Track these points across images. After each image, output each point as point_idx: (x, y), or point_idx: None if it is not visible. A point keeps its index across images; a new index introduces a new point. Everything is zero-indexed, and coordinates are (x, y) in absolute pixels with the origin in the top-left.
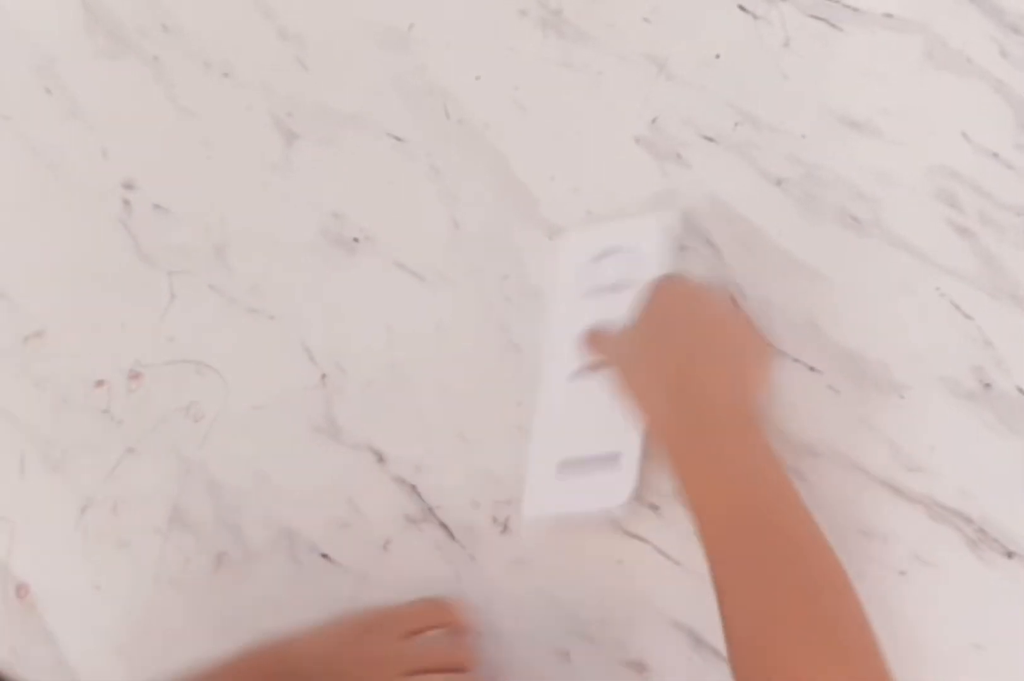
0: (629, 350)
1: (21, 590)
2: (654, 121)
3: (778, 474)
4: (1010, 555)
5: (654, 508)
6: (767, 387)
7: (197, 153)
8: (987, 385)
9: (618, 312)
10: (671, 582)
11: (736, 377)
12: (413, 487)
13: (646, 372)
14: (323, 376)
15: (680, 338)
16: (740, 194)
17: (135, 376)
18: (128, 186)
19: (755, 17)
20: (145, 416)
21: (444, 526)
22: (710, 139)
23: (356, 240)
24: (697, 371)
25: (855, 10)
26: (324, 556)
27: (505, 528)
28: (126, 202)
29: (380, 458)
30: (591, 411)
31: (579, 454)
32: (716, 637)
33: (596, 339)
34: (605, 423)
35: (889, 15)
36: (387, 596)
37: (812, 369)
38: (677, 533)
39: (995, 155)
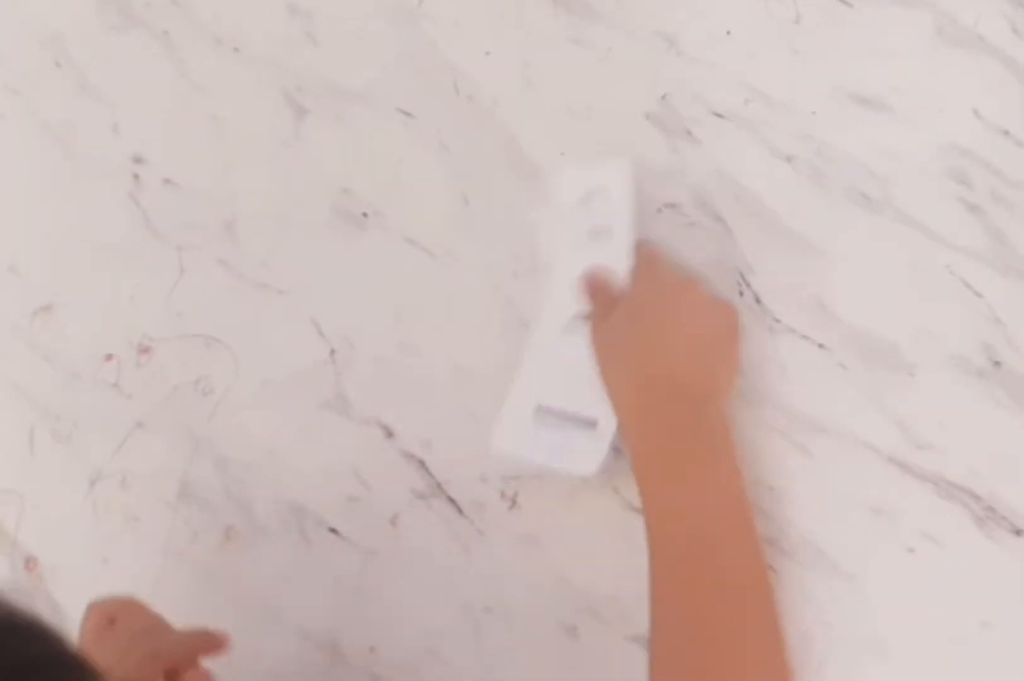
0: (610, 340)
1: (30, 563)
2: (664, 97)
3: (737, 494)
4: (1018, 533)
5: None
6: (735, 380)
7: (207, 128)
8: (997, 363)
9: (608, 255)
10: None
11: (707, 384)
12: (421, 462)
13: (623, 370)
14: (332, 351)
15: (657, 338)
16: (750, 171)
17: (144, 350)
18: (138, 161)
19: None
20: (154, 390)
21: (452, 501)
22: (720, 116)
23: (365, 215)
24: (670, 373)
25: None
26: (332, 531)
27: (514, 503)
28: (136, 177)
29: (389, 433)
30: (581, 366)
31: (560, 405)
32: None
33: (597, 293)
34: (591, 384)
35: None
36: (395, 571)
37: (821, 346)
38: None
39: (1006, 132)
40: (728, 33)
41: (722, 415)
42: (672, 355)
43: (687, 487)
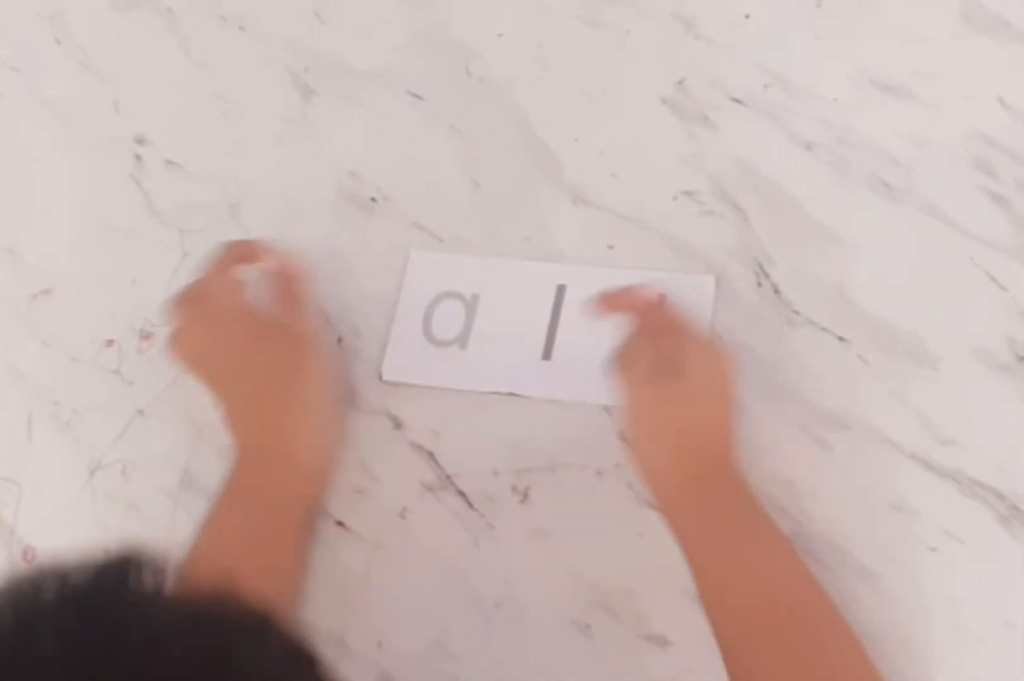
0: (646, 399)
1: (28, 553)
2: (681, 82)
3: (782, 543)
4: None
5: None
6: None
7: (211, 108)
8: (1022, 358)
9: None
10: None
11: (726, 438)
12: (431, 454)
13: (654, 430)
14: (339, 339)
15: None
16: (769, 158)
17: (146, 336)
18: (140, 141)
19: None
20: (156, 377)
21: (462, 494)
22: (738, 101)
23: (374, 200)
24: (697, 436)
25: None
26: (339, 523)
27: (525, 497)
28: (138, 157)
29: (397, 424)
30: None
31: None
32: None
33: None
34: None
35: None
36: (403, 564)
37: (841, 339)
38: None
39: None
40: (747, 17)
41: (737, 470)
42: (703, 430)
43: (744, 559)
